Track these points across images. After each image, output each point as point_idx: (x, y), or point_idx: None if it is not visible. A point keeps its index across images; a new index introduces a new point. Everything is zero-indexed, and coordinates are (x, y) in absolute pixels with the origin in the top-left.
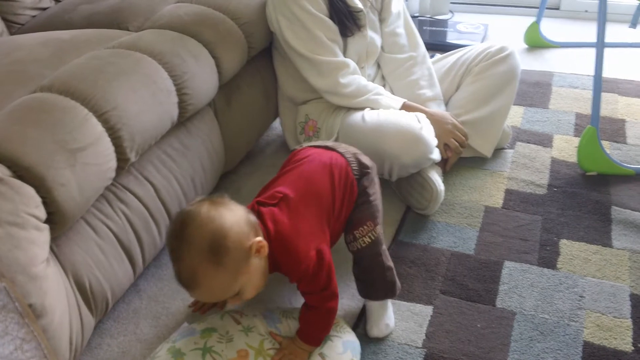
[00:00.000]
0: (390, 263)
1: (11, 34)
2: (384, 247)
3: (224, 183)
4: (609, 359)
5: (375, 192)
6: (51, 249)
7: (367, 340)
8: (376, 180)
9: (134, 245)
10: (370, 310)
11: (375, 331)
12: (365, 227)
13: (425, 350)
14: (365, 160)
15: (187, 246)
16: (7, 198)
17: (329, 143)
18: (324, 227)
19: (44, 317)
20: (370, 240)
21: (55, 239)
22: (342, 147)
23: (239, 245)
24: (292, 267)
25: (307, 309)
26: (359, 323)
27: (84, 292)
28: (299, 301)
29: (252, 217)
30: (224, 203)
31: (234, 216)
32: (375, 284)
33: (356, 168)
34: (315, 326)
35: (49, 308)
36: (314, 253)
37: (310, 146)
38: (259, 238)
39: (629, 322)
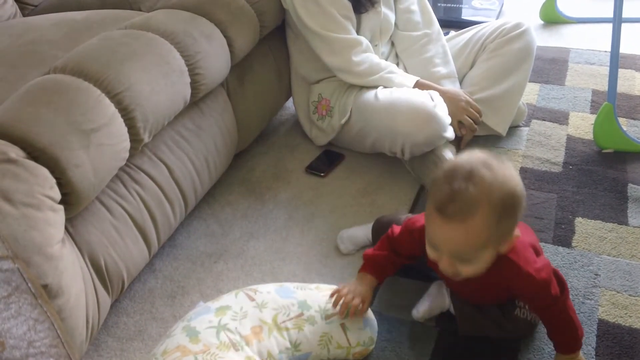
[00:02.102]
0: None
1: (24, 15)
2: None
3: (237, 163)
4: (623, 337)
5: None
6: (66, 229)
7: (382, 318)
8: None
9: (148, 225)
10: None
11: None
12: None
13: (438, 328)
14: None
15: (484, 183)
16: (21, 179)
17: None
18: None
19: (60, 297)
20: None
21: (70, 220)
22: None
23: (516, 221)
24: (524, 279)
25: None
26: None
27: (100, 272)
28: (313, 281)
29: None
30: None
31: (524, 194)
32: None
33: None
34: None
35: (65, 288)
36: (544, 269)
37: None
38: (518, 230)
39: None
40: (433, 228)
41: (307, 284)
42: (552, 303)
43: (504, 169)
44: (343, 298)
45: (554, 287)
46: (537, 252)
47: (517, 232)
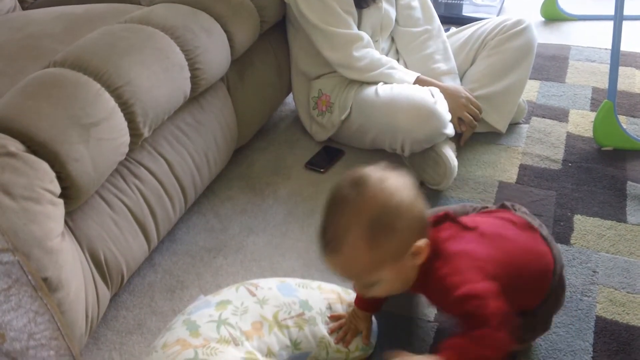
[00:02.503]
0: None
1: (24, 8)
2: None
3: (237, 158)
4: (621, 333)
5: (560, 295)
6: (66, 223)
7: (380, 315)
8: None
9: (148, 219)
10: None
11: None
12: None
13: (436, 324)
14: (563, 275)
15: (350, 208)
16: (21, 173)
17: (544, 230)
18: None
19: (60, 291)
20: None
21: (70, 214)
22: (553, 244)
23: (401, 237)
24: (452, 295)
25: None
26: None
27: (99, 266)
28: (312, 277)
29: (426, 215)
30: (409, 184)
31: (412, 203)
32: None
33: (559, 272)
34: None
35: (64, 281)
36: (483, 287)
37: (521, 216)
38: (424, 241)
39: None
40: (324, 257)
41: (309, 282)
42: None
43: (380, 183)
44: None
45: (484, 312)
46: (496, 269)
47: (422, 241)
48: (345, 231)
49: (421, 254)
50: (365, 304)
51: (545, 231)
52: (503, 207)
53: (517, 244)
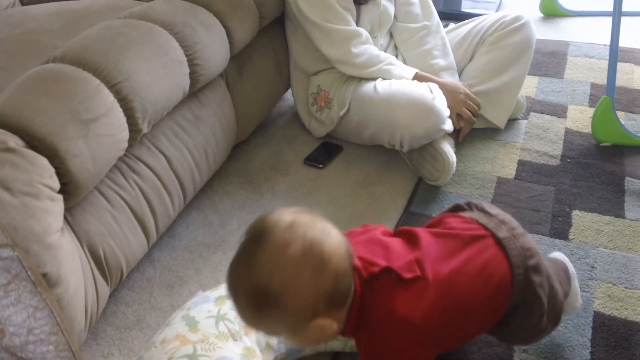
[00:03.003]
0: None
1: (23, 4)
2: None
3: (236, 154)
4: (619, 329)
5: (540, 313)
6: (65, 219)
7: None
8: (544, 298)
9: (147, 215)
10: None
11: None
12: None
13: None
14: (538, 279)
15: (241, 269)
16: (21, 168)
17: (503, 231)
18: (446, 336)
19: (59, 286)
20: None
21: (69, 209)
22: (516, 250)
23: (291, 315)
24: (371, 355)
25: None
26: None
27: (99, 261)
28: None
29: (344, 283)
30: (317, 249)
31: (311, 278)
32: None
33: (517, 294)
34: None
35: (64, 277)
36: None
37: (480, 223)
38: (327, 322)
39: None
40: None
41: None
42: None
43: (278, 248)
44: None
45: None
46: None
47: (324, 321)
48: (236, 289)
49: (328, 327)
50: None
51: (503, 232)
52: (457, 208)
53: (463, 278)
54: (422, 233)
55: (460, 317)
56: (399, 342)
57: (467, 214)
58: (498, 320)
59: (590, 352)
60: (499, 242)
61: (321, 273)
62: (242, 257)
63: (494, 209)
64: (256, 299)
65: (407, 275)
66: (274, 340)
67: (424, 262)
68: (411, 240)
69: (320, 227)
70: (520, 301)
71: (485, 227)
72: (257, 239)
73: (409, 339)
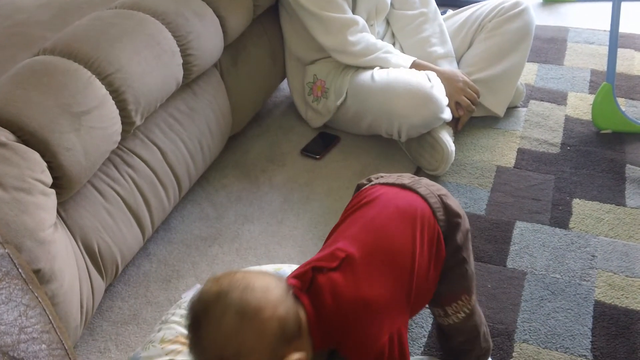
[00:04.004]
0: (485, 327)
1: None
2: (478, 311)
3: (231, 145)
4: (620, 318)
5: (470, 253)
6: (59, 213)
7: None
8: (469, 235)
9: (142, 208)
10: None
11: None
12: (460, 302)
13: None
14: (454, 205)
15: (199, 348)
16: (12, 163)
17: (405, 180)
18: (402, 298)
19: (53, 282)
20: (464, 314)
21: (62, 204)
22: (423, 187)
23: None
24: (358, 355)
25: None
26: None
27: (93, 256)
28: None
29: (290, 318)
30: (248, 304)
31: (260, 334)
32: (469, 354)
33: (442, 218)
34: None
35: (58, 272)
36: (387, 339)
37: (381, 184)
38: (295, 356)
39: None
40: None
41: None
42: None
43: (216, 325)
44: None
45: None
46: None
47: (294, 356)
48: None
49: (302, 356)
50: None
51: (405, 180)
52: (358, 187)
53: (384, 229)
54: (337, 227)
55: (403, 266)
56: (369, 327)
57: (367, 185)
58: (442, 262)
59: (591, 342)
60: (405, 187)
61: (262, 326)
62: (193, 340)
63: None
64: None
65: (333, 263)
66: None
67: (344, 247)
68: (328, 238)
69: (242, 285)
70: (448, 232)
71: (386, 184)
72: (196, 323)
73: (371, 318)
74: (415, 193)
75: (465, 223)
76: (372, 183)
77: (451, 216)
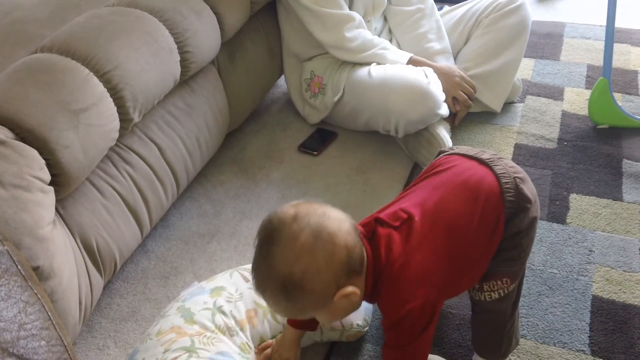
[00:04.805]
0: (515, 325)
1: None
2: (514, 304)
3: (229, 142)
4: (617, 312)
5: (530, 242)
6: (57, 210)
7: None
8: (535, 223)
9: (140, 205)
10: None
11: None
12: (499, 282)
13: None
14: (527, 190)
15: (262, 268)
16: (10, 161)
17: (485, 155)
18: (447, 272)
19: (52, 279)
20: (498, 297)
21: (60, 201)
22: (500, 166)
23: (317, 293)
24: (390, 309)
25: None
26: None
27: (92, 253)
28: None
29: (356, 252)
30: (326, 232)
31: (327, 260)
32: (488, 343)
33: (512, 199)
34: None
35: (57, 269)
36: (421, 302)
37: (459, 154)
38: (350, 289)
39: (638, 276)
40: None
41: None
42: (394, 343)
43: (290, 243)
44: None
45: (412, 328)
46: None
47: (348, 289)
48: (263, 286)
49: (352, 295)
50: (294, 322)
51: (486, 155)
52: (439, 153)
53: (448, 200)
54: (409, 189)
55: (458, 241)
56: (408, 287)
57: (447, 152)
58: (497, 245)
59: (589, 336)
60: (482, 162)
61: (333, 250)
62: (260, 259)
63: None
64: (284, 290)
65: (395, 223)
66: (268, 334)
67: (408, 209)
68: (399, 198)
69: (320, 211)
70: (513, 215)
71: (464, 155)
72: (269, 238)
73: (411, 279)
74: (489, 169)
75: (535, 211)
76: (451, 153)
77: (522, 200)
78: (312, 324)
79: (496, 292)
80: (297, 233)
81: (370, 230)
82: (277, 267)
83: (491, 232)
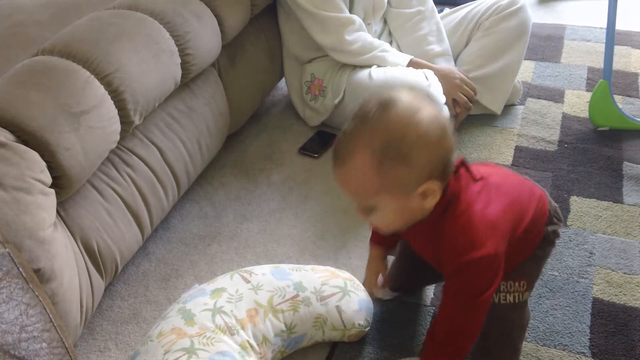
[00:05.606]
0: (522, 337)
1: None
2: (523, 321)
3: (229, 144)
4: (618, 314)
5: (548, 255)
6: (58, 213)
7: (376, 300)
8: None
9: (141, 208)
10: None
11: None
12: (516, 284)
13: (433, 308)
14: (559, 211)
15: (367, 126)
16: (12, 163)
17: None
18: (509, 237)
19: (53, 281)
20: (512, 301)
21: (62, 204)
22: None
23: (413, 171)
24: (454, 250)
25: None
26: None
27: (93, 256)
28: (307, 263)
29: (448, 163)
30: (442, 120)
31: (438, 140)
32: (490, 354)
33: (552, 209)
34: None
35: (58, 272)
36: (492, 252)
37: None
38: (435, 185)
39: (639, 279)
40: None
41: (302, 266)
42: (460, 292)
43: (409, 110)
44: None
45: (479, 279)
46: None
47: (435, 184)
48: (355, 148)
49: (431, 197)
50: (377, 238)
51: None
52: None
53: (517, 190)
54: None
55: (518, 220)
56: (477, 233)
57: None
58: (535, 247)
59: (590, 339)
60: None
61: (444, 138)
62: (366, 119)
63: None
64: (383, 154)
65: (477, 175)
66: (270, 333)
67: (484, 172)
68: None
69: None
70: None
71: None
72: (384, 105)
73: (487, 227)
74: (534, 183)
75: (559, 228)
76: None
77: (556, 216)
78: (393, 240)
79: (511, 295)
80: (418, 107)
81: (456, 165)
82: (386, 129)
83: (533, 233)
